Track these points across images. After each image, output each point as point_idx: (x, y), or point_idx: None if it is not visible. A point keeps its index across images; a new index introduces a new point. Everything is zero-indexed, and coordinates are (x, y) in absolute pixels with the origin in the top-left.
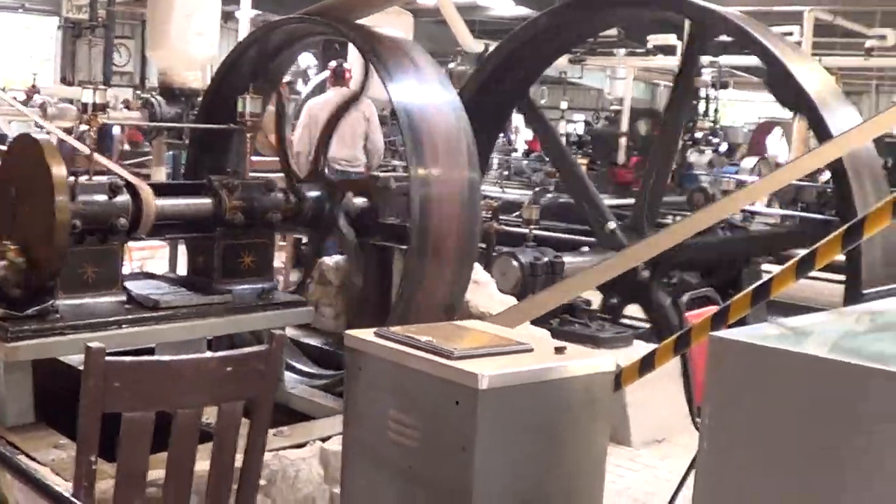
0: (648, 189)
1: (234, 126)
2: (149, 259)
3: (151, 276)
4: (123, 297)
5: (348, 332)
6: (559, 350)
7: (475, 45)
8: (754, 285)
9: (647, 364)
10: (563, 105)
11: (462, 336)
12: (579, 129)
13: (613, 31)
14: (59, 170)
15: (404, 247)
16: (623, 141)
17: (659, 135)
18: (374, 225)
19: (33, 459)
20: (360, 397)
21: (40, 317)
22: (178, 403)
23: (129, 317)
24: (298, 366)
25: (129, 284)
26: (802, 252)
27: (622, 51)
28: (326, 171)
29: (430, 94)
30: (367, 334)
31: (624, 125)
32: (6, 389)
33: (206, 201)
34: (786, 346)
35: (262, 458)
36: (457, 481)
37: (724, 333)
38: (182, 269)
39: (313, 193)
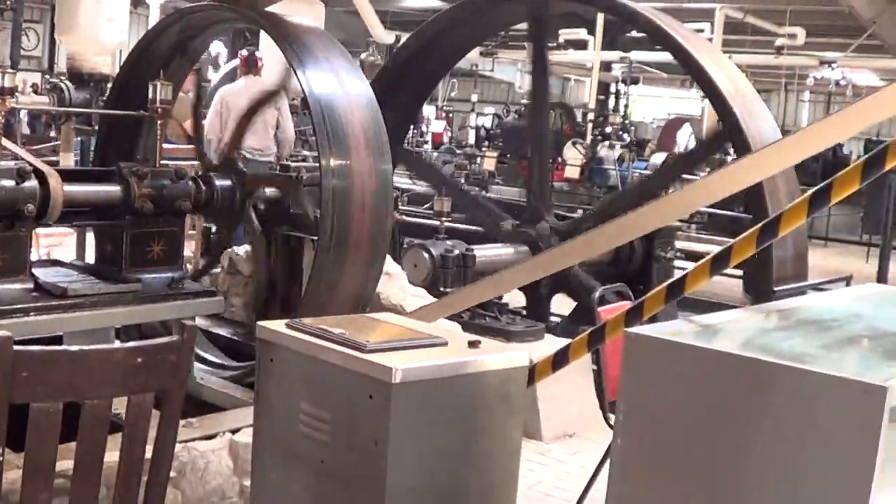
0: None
1: (144, 113)
2: (56, 246)
3: (59, 263)
4: (31, 285)
5: (260, 322)
6: (473, 344)
7: (386, 36)
8: (668, 281)
9: (560, 359)
10: (474, 98)
11: (375, 329)
12: (488, 122)
13: (524, 25)
14: None
15: (315, 238)
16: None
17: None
18: (285, 215)
19: None
20: (271, 389)
21: None
22: (87, 394)
23: (37, 304)
24: (208, 356)
25: (36, 272)
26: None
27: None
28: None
29: (342, 84)
30: (278, 325)
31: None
32: None
33: (115, 188)
34: (700, 342)
35: (172, 450)
36: (370, 476)
37: (639, 329)
38: (91, 257)
39: (224, 183)
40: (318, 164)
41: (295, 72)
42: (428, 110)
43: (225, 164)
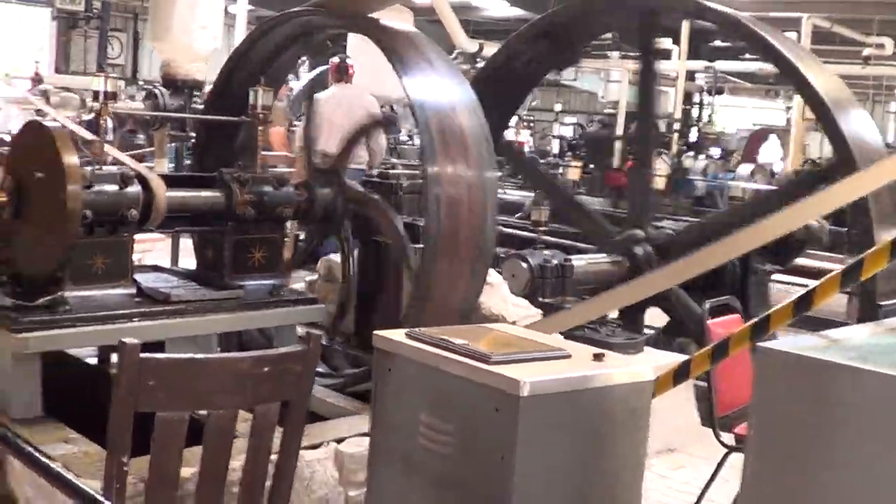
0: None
1: (245, 119)
2: (148, 252)
3: (160, 269)
4: (133, 290)
5: (378, 332)
6: (598, 357)
7: (470, 45)
8: (797, 296)
9: (682, 373)
10: (557, 107)
11: (497, 340)
12: (570, 132)
13: (608, 34)
14: (70, 158)
15: (415, 246)
16: (618, 144)
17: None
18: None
19: (42, 454)
20: (389, 400)
21: (50, 308)
22: (212, 404)
23: (140, 310)
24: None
25: (138, 277)
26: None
27: (616, 53)
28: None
29: (446, 90)
30: (397, 335)
31: (619, 129)
32: (14, 381)
33: (217, 194)
34: (834, 357)
35: (295, 462)
36: (495, 490)
37: (771, 344)
38: (183, 263)
39: (325, 191)
40: (416, 173)
41: (400, 78)
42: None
43: (326, 173)
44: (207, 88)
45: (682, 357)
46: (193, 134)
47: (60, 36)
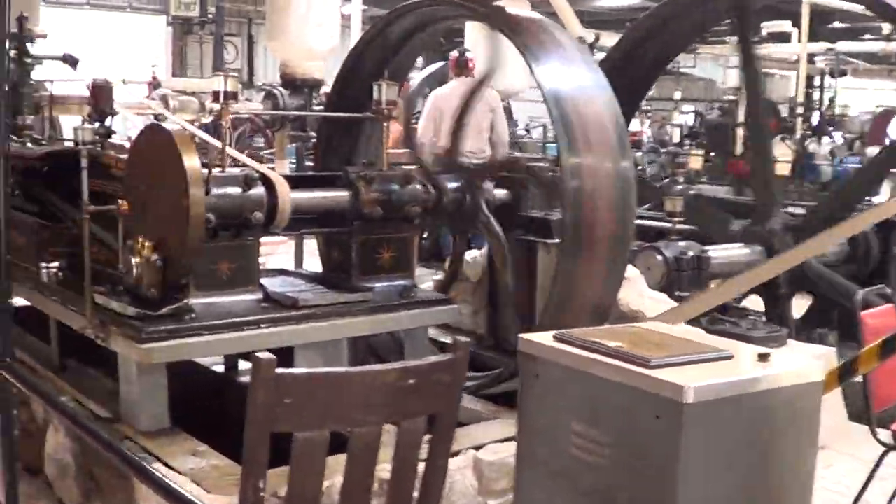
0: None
1: (369, 115)
2: (270, 255)
3: (286, 272)
4: (260, 295)
5: (523, 336)
6: (763, 357)
7: (586, 34)
8: None
9: (847, 371)
10: (677, 95)
11: (652, 341)
12: (690, 120)
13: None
14: (192, 161)
15: (549, 241)
16: (740, 132)
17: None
18: (516, 217)
19: (170, 468)
20: (536, 407)
21: (175, 316)
22: (355, 421)
23: (268, 316)
24: None
25: (264, 281)
26: None
27: (734, 38)
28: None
29: (578, 77)
30: (544, 339)
31: (740, 115)
32: (140, 392)
33: (343, 194)
34: None
35: (444, 479)
36: (656, 501)
37: None
38: (307, 265)
39: (453, 184)
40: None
41: (530, 67)
42: None
43: (450, 167)
44: (325, 88)
45: (825, 349)
46: (314, 134)
47: (176, 42)
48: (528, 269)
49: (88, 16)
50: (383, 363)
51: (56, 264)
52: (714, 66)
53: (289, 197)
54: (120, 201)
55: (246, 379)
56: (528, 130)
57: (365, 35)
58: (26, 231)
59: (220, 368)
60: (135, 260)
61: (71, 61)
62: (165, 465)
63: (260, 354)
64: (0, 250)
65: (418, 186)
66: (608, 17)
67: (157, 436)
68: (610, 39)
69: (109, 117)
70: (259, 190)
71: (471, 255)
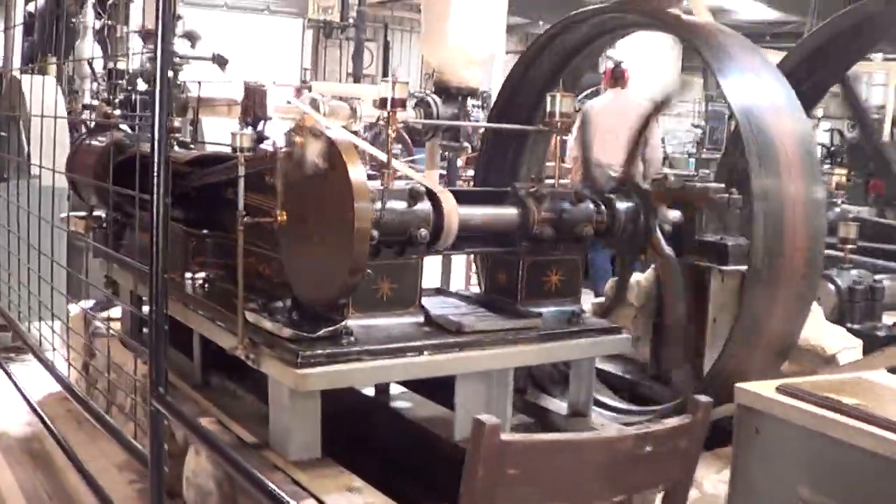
0: None
1: (543, 128)
2: None
3: (444, 292)
4: (421, 318)
5: (740, 385)
6: None
7: None
8: None
9: None
10: (819, 113)
11: (888, 397)
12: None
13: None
14: (358, 172)
15: (724, 268)
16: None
17: None
18: (690, 241)
19: None
20: (754, 465)
21: (333, 339)
22: (584, 494)
23: (430, 342)
24: (602, 398)
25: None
26: None
27: (879, 55)
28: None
29: (769, 92)
30: (766, 389)
31: (885, 134)
32: (292, 420)
33: (511, 211)
34: None
35: None
36: None
37: None
38: (454, 284)
39: (625, 204)
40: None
41: (718, 80)
42: None
43: (623, 185)
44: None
45: None
46: (467, 144)
47: (316, 46)
48: (697, 297)
49: (225, 17)
50: (547, 394)
51: (202, 275)
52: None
53: (456, 214)
54: (278, 212)
55: (398, 404)
56: (663, 142)
57: (536, 42)
58: (171, 238)
59: (368, 390)
60: (290, 276)
61: (220, 62)
62: (318, 500)
63: (483, 418)
64: (156, 268)
65: (591, 206)
66: (748, 32)
67: (309, 467)
68: None
69: (262, 122)
70: (425, 205)
71: (633, 279)
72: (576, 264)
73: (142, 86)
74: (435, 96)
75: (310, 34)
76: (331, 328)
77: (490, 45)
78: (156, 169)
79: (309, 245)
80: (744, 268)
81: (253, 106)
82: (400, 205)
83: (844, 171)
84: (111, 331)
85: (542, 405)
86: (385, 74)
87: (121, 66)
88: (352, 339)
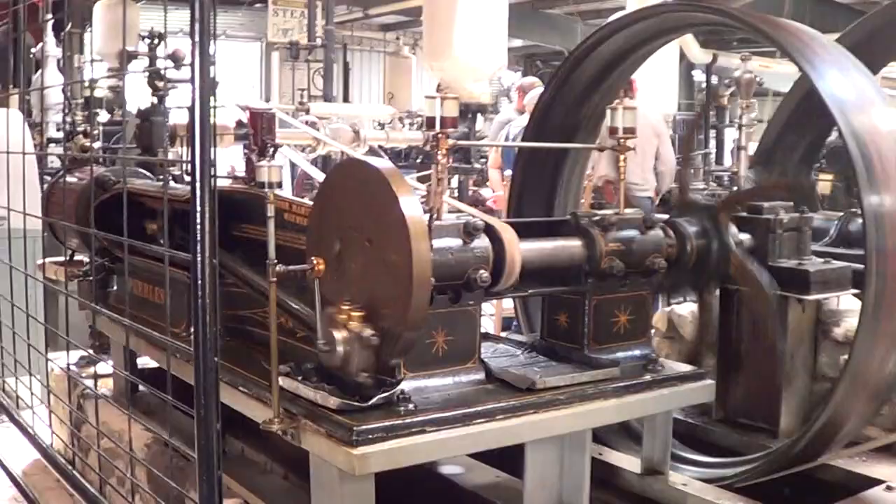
0: None
1: (606, 147)
2: None
3: (490, 338)
4: (481, 374)
5: None
6: None
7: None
8: None
9: None
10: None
11: None
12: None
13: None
14: (411, 205)
15: (804, 297)
16: None
17: None
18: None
19: None
20: None
21: (387, 408)
22: None
23: (501, 404)
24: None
25: None
26: None
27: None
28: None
29: (867, 96)
30: None
31: None
32: None
33: (575, 244)
34: None
35: None
36: None
37: None
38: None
39: (693, 228)
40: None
41: (816, 86)
42: None
43: (686, 206)
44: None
45: None
46: (478, 165)
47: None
48: (766, 328)
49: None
50: (604, 444)
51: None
52: None
53: (518, 250)
54: (314, 260)
55: (449, 470)
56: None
57: (577, 51)
58: (177, 288)
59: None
60: (339, 335)
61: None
62: None
63: None
64: (203, 354)
65: (660, 233)
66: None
67: None
68: (726, 61)
69: (271, 150)
70: (483, 242)
71: (688, 309)
72: (645, 301)
73: (104, 115)
74: None
75: (276, 57)
76: (384, 394)
77: (499, 59)
78: (199, 223)
79: (353, 295)
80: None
81: (260, 132)
82: (454, 242)
83: (830, 176)
84: (100, 391)
85: (610, 462)
86: (346, 96)
87: (98, 93)
88: (410, 405)
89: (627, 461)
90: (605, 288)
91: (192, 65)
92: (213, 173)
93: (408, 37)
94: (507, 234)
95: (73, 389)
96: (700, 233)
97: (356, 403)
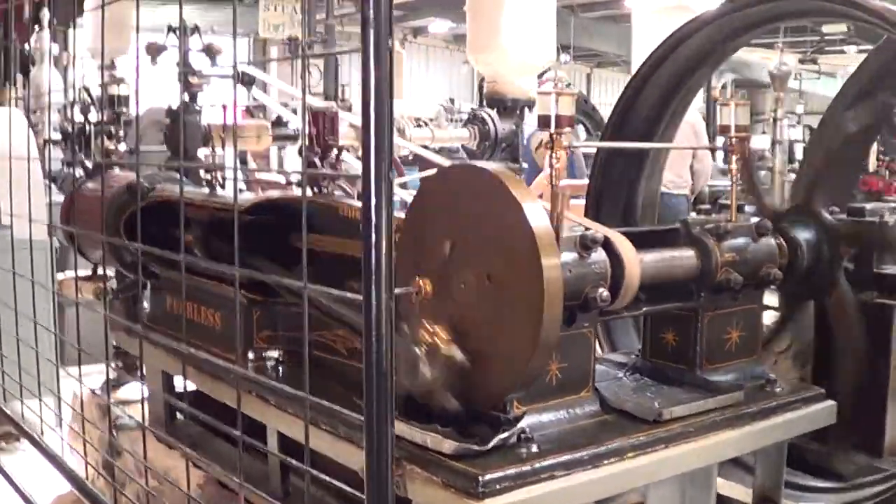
0: None
1: (717, 146)
2: None
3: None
4: (596, 406)
5: None
6: None
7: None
8: None
9: None
10: (799, 109)
11: None
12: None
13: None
14: (537, 215)
15: None
16: (874, 146)
17: None
18: (866, 274)
19: None
20: None
21: (508, 451)
22: None
23: (629, 441)
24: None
25: None
26: None
27: (853, 48)
28: None
29: None
30: None
31: None
32: None
33: (689, 254)
34: None
35: None
36: None
37: None
38: None
39: (806, 235)
40: None
41: None
42: None
43: (796, 210)
44: None
45: None
46: (526, 165)
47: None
48: (877, 343)
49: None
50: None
51: (275, 354)
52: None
53: (637, 265)
54: (420, 280)
55: None
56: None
57: (657, 52)
58: (227, 308)
59: None
60: (421, 352)
61: (247, 81)
62: None
63: None
64: (378, 398)
65: (772, 241)
66: None
67: None
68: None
69: (337, 152)
70: (600, 256)
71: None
72: (756, 315)
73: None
74: (489, 110)
75: (274, 53)
76: (505, 434)
77: (548, 51)
78: (374, 263)
79: (464, 318)
80: None
81: (323, 132)
82: (570, 256)
83: None
84: (137, 421)
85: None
86: (335, 92)
87: (123, 91)
88: (533, 447)
89: (737, 490)
90: (719, 302)
91: (363, 50)
92: (390, 192)
93: (398, 31)
94: (625, 246)
95: (105, 417)
96: (813, 242)
97: (476, 447)
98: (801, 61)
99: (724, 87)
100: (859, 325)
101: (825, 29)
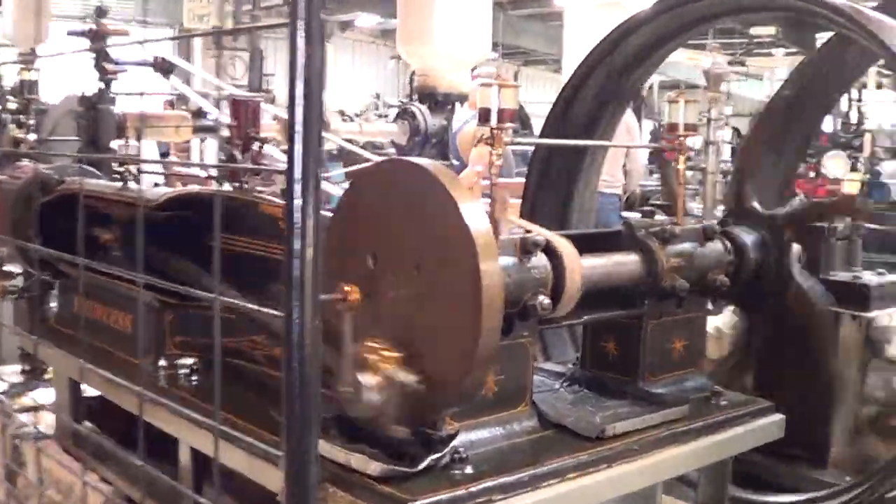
0: None
1: (664, 146)
2: None
3: None
4: (534, 421)
5: None
6: None
7: None
8: None
9: None
10: (728, 111)
11: None
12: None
13: (771, 31)
14: (475, 216)
15: (863, 314)
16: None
17: None
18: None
19: None
20: None
21: (440, 471)
22: None
23: (572, 460)
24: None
25: None
26: None
27: (781, 51)
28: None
29: None
30: None
31: None
32: None
33: (633, 259)
34: None
35: None
36: None
37: None
38: None
39: (750, 237)
40: None
41: None
42: None
43: (738, 212)
44: None
45: None
46: (456, 161)
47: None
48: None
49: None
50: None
51: (190, 362)
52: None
53: (580, 270)
54: (346, 288)
55: None
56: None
57: (594, 53)
58: (136, 310)
59: None
60: (369, 381)
61: (165, 68)
62: None
63: None
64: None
65: (719, 245)
66: None
67: None
68: None
69: (256, 145)
70: (541, 260)
71: (722, 319)
72: (702, 324)
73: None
74: (420, 105)
75: (197, 44)
76: (436, 455)
77: (482, 46)
78: (298, 277)
79: (398, 334)
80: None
81: (244, 124)
82: (509, 261)
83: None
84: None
85: None
86: (259, 85)
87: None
88: (468, 468)
89: None
90: (664, 309)
91: (291, 42)
92: (317, 185)
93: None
94: (568, 250)
95: (7, 426)
96: (759, 245)
97: (405, 469)
98: (730, 63)
99: (650, 87)
100: (807, 332)
101: (753, 31)
